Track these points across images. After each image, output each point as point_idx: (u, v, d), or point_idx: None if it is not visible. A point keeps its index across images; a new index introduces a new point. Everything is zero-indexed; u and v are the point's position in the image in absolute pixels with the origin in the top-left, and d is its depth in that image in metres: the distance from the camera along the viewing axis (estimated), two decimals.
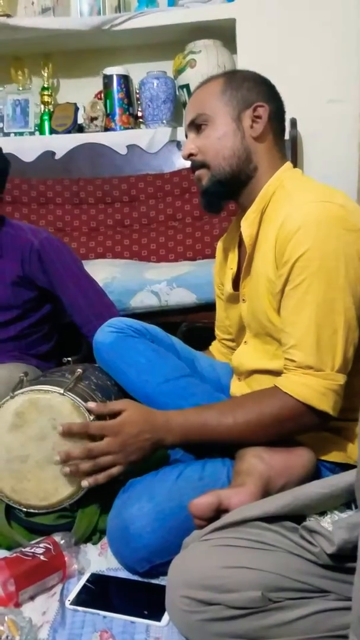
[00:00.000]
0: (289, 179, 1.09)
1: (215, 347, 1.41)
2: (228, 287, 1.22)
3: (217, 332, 1.41)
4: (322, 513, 0.85)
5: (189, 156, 1.13)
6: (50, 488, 1.06)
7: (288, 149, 2.23)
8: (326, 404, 0.97)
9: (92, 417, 1.06)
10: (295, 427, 1.00)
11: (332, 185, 1.08)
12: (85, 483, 1.02)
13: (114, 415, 1.04)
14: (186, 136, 1.16)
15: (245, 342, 1.19)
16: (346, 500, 0.84)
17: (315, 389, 0.97)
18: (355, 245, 0.98)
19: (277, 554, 0.79)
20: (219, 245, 1.33)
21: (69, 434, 1.03)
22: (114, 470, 1.02)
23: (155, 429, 1.02)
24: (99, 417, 1.06)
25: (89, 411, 1.06)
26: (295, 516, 0.84)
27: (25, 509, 1.07)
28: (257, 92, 1.11)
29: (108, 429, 1.02)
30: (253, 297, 1.11)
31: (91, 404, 1.06)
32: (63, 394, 1.07)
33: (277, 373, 1.05)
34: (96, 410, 1.05)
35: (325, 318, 0.97)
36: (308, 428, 1.01)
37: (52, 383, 1.10)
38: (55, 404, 1.06)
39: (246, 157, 1.10)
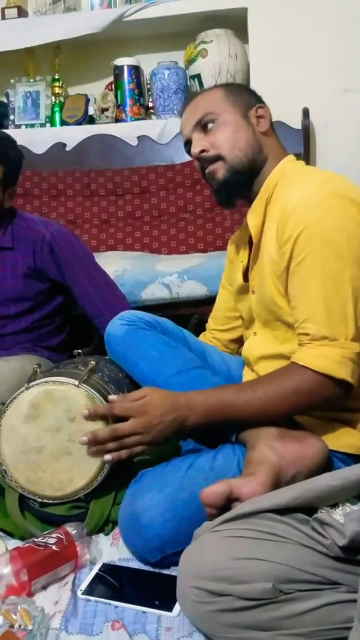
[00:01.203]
0: (290, 169, 1.13)
1: (204, 337, 1.41)
2: (239, 279, 1.23)
3: (210, 322, 1.42)
4: (334, 505, 0.84)
5: (200, 152, 1.13)
6: (65, 479, 1.06)
7: (300, 139, 2.22)
8: (344, 372, 0.97)
9: None
10: (317, 399, 1.00)
11: (346, 175, 1.09)
12: (108, 457, 1.01)
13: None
14: (187, 142, 1.17)
15: (254, 333, 1.20)
16: (358, 492, 0.84)
17: (333, 358, 0.97)
18: (356, 219, 0.99)
19: (289, 546, 0.79)
20: (231, 242, 1.35)
21: (95, 416, 1.04)
22: (137, 449, 1.02)
23: (178, 408, 1.01)
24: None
25: (110, 402, 1.06)
26: (307, 508, 0.84)
27: (39, 500, 1.08)
28: (256, 97, 1.19)
29: (133, 410, 1.02)
30: (261, 286, 1.12)
31: (112, 397, 1.06)
32: (78, 386, 1.07)
33: (288, 356, 1.05)
34: (117, 401, 1.05)
35: (333, 289, 0.97)
36: (329, 399, 1.00)
37: (66, 375, 1.11)
38: (70, 396, 1.07)
39: (259, 149, 1.13)
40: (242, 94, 1.16)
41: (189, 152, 1.18)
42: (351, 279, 0.98)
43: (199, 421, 1.02)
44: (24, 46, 2.45)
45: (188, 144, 1.18)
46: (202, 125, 1.14)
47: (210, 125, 1.13)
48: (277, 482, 0.93)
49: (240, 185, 1.14)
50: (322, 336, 0.98)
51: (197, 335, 1.40)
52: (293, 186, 1.05)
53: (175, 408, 1.01)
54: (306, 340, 1.00)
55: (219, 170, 1.13)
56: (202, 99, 1.17)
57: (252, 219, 1.13)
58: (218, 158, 1.12)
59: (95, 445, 1.02)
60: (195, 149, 1.14)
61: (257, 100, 1.17)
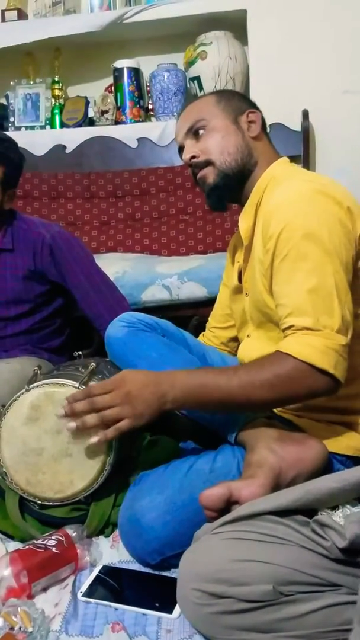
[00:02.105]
0: (280, 171, 1.13)
1: (204, 337, 1.41)
2: (234, 280, 1.24)
3: (210, 320, 1.42)
4: (334, 507, 0.84)
5: (191, 159, 1.15)
6: (65, 481, 1.06)
7: (299, 141, 2.22)
8: (327, 363, 0.94)
9: None
10: (300, 389, 0.97)
11: (348, 177, 1.10)
12: (94, 439, 0.99)
13: None
14: (180, 149, 1.20)
15: (248, 335, 1.20)
16: (358, 494, 0.84)
17: (316, 346, 0.94)
18: (336, 215, 1.00)
19: (289, 548, 0.79)
20: (230, 243, 1.36)
21: (74, 401, 1.01)
22: (123, 424, 0.98)
23: (158, 382, 0.99)
24: None
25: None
26: (307, 510, 0.84)
27: (39, 502, 1.08)
28: (247, 103, 1.20)
29: (110, 383, 1.00)
30: (253, 287, 1.13)
31: (92, 383, 1.05)
32: (78, 388, 1.07)
33: None
34: (97, 387, 1.03)
35: (317, 282, 0.97)
36: (314, 390, 0.97)
37: (66, 377, 1.11)
38: None
39: (248, 152, 1.15)
40: (233, 100, 1.18)
41: (183, 158, 1.20)
42: (334, 272, 0.97)
43: (178, 397, 0.99)
44: (22, 42, 2.44)
45: (181, 150, 1.20)
46: (194, 132, 1.16)
47: (201, 132, 1.15)
48: (277, 484, 0.93)
49: (230, 188, 1.16)
50: (305, 327, 0.96)
51: (197, 336, 1.40)
52: (278, 187, 1.07)
53: (155, 382, 0.99)
54: (290, 332, 0.98)
55: (209, 175, 1.14)
56: (194, 106, 1.19)
57: (243, 222, 1.14)
58: (208, 163, 1.14)
59: (73, 418, 0.99)
60: (186, 155, 1.17)
61: (248, 105, 1.19)
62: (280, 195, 1.03)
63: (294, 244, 0.98)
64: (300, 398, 1.01)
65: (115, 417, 0.98)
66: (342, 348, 0.96)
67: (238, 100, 1.19)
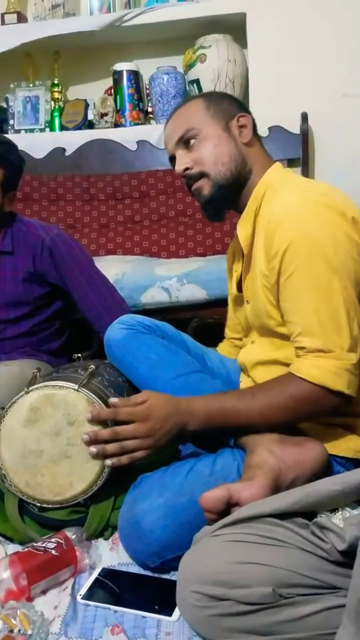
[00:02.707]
0: (277, 179, 1.11)
1: (223, 347, 1.41)
2: (233, 290, 1.24)
3: (226, 330, 1.41)
4: (334, 510, 0.84)
5: (184, 170, 1.13)
6: (64, 483, 1.06)
7: (298, 144, 2.22)
8: (340, 384, 0.97)
9: None
10: (315, 409, 1.00)
11: (347, 180, 1.09)
12: (108, 462, 1.01)
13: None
14: (171, 159, 1.18)
15: (252, 341, 1.20)
16: (358, 497, 0.84)
17: (329, 369, 0.96)
18: (341, 227, 0.99)
19: (288, 550, 0.79)
20: (229, 251, 1.35)
21: (97, 420, 1.03)
22: (138, 454, 1.01)
23: (179, 413, 1.01)
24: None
25: (113, 406, 1.05)
26: (307, 513, 0.84)
27: (39, 504, 1.08)
28: (237, 106, 1.17)
29: (136, 414, 1.01)
30: (253, 297, 1.12)
31: (113, 400, 1.05)
32: (78, 390, 1.07)
33: (283, 362, 1.05)
34: (120, 405, 1.05)
35: (324, 300, 0.97)
36: (328, 409, 1.00)
37: (66, 379, 1.11)
38: (70, 400, 1.07)
39: (242, 160, 1.13)
40: (222, 104, 1.15)
41: (174, 167, 1.17)
42: (341, 288, 0.97)
43: (199, 426, 1.02)
44: (20, 42, 2.44)
45: (173, 160, 1.18)
46: (184, 142, 1.13)
47: (192, 141, 1.12)
48: (277, 486, 0.93)
49: (227, 199, 1.14)
50: (317, 349, 0.97)
51: (197, 338, 1.40)
52: (277, 198, 1.04)
53: (176, 412, 1.01)
54: (302, 353, 0.99)
55: (204, 188, 1.13)
56: (183, 112, 1.16)
57: (242, 230, 1.13)
58: (202, 175, 1.12)
59: (96, 444, 1.02)
60: (179, 167, 1.14)
61: (238, 108, 1.16)
62: (281, 210, 1.01)
63: (299, 262, 0.98)
64: (314, 417, 1.04)
65: (135, 449, 1.01)
66: (353, 366, 0.98)
67: (227, 104, 1.15)
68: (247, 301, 1.17)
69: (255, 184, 1.13)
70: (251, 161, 1.13)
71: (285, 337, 1.05)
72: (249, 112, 1.17)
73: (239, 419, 1.02)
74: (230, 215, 2.19)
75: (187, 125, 1.13)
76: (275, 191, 1.08)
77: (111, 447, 1.01)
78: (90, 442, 1.02)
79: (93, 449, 1.02)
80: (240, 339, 1.34)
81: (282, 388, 1.00)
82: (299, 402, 0.99)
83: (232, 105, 1.16)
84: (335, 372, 0.97)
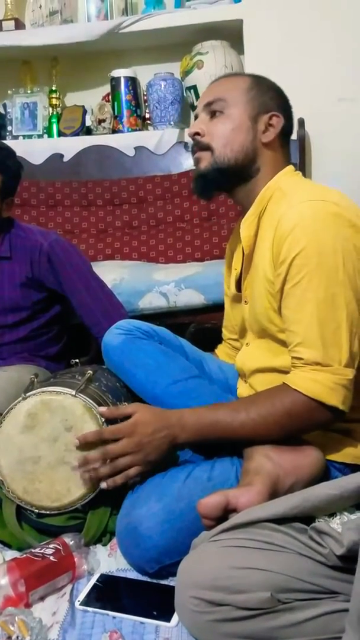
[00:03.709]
0: (286, 182, 1.10)
1: (221, 349, 1.41)
2: (232, 288, 1.23)
3: (224, 331, 1.41)
4: (332, 514, 0.85)
5: (195, 134, 1.12)
6: (62, 489, 1.06)
7: (296, 149, 2.23)
8: (335, 399, 0.96)
9: (103, 419, 1.06)
10: (308, 423, 1.00)
11: (343, 185, 1.08)
12: (104, 485, 1.02)
13: (125, 418, 1.04)
14: (195, 117, 1.16)
15: (247, 344, 1.20)
16: (355, 501, 0.84)
17: (325, 384, 0.96)
18: (351, 240, 0.99)
19: (287, 555, 0.79)
20: (227, 247, 1.34)
21: (85, 444, 1.03)
22: (132, 471, 1.02)
23: (169, 426, 1.01)
24: (110, 421, 1.06)
25: (101, 415, 1.06)
26: (305, 517, 0.84)
27: (37, 510, 1.08)
28: (278, 104, 1.13)
29: (122, 431, 1.02)
30: (254, 299, 1.12)
31: (102, 409, 1.06)
32: (75, 396, 1.07)
33: (281, 370, 1.05)
34: (108, 415, 1.06)
35: (327, 313, 0.97)
36: (321, 424, 1.00)
37: (63, 384, 1.11)
38: (67, 405, 1.07)
39: (252, 157, 1.11)
40: (265, 95, 1.12)
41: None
42: (346, 303, 0.97)
43: (190, 439, 1.03)
44: (18, 43, 2.45)
45: (196, 119, 1.16)
46: (211, 109, 1.11)
47: (217, 114, 1.10)
48: (275, 492, 0.93)
49: (218, 183, 1.13)
50: (315, 361, 0.97)
51: (195, 344, 1.40)
52: (289, 204, 1.02)
53: (166, 426, 1.01)
54: (299, 364, 0.99)
55: (203, 161, 1.11)
56: (226, 82, 1.14)
57: (245, 230, 1.12)
58: (207, 148, 1.11)
59: (86, 468, 1.02)
60: (191, 129, 1.13)
61: (277, 107, 1.12)
62: (293, 218, 0.99)
63: (307, 272, 0.97)
64: (307, 431, 1.03)
65: (127, 466, 1.01)
66: (349, 382, 0.98)
67: (269, 98, 1.12)
68: (246, 301, 1.17)
69: (262, 185, 1.11)
70: (262, 161, 1.11)
71: (285, 344, 1.05)
72: (288, 116, 1.13)
73: (231, 434, 1.02)
74: (228, 220, 2.22)
75: (220, 95, 1.11)
76: (284, 195, 1.07)
77: (104, 470, 1.01)
78: (81, 466, 1.03)
79: (86, 474, 1.02)
80: (237, 340, 1.34)
81: (276, 402, 0.99)
82: (293, 416, 0.98)
83: (273, 101, 1.12)
84: (332, 387, 0.96)
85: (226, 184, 1.14)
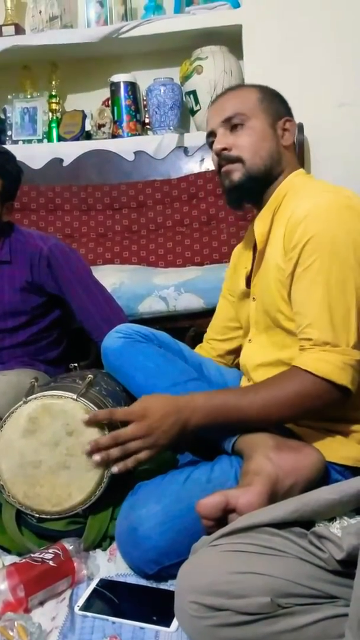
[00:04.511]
0: (300, 181, 1.15)
1: (201, 348, 1.41)
2: (242, 285, 1.24)
3: (208, 331, 1.42)
4: (332, 519, 0.84)
5: (222, 150, 1.14)
6: (63, 494, 1.06)
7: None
8: (345, 379, 0.98)
9: (105, 423, 1.06)
10: (318, 402, 1.00)
11: None
12: (115, 469, 1.01)
13: (125, 423, 1.04)
14: (210, 134, 1.18)
15: (249, 340, 1.21)
16: (355, 506, 0.84)
17: (335, 363, 0.98)
18: None
19: (286, 560, 0.79)
20: (235, 251, 1.36)
21: (95, 422, 1.03)
22: (142, 455, 1.01)
23: (179, 410, 1.01)
24: (112, 427, 1.06)
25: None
26: (304, 522, 0.83)
27: (37, 515, 1.08)
28: (286, 109, 1.20)
29: (133, 414, 1.01)
30: (263, 292, 1.14)
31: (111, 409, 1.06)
32: (76, 400, 1.07)
33: (287, 363, 1.06)
34: (119, 418, 1.05)
35: (337, 297, 0.99)
36: (330, 404, 1.01)
37: (64, 388, 1.11)
38: (68, 410, 1.07)
39: (278, 160, 1.15)
40: (274, 103, 1.17)
41: (210, 144, 1.18)
42: (356, 288, 1.00)
43: (201, 422, 1.02)
44: (18, 43, 2.46)
45: (211, 135, 1.18)
46: (231, 123, 1.14)
47: (239, 127, 1.14)
48: (274, 493, 0.93)
49: (252, 191, 1.16)
50: (324, 342, 0.99)
51: (194, 348, 1.40)
52: (304, 196, 1.07)
53: (176, 410, 1.01)
54: (308, 345, 1.01)
55: (236, 173, 1.14)
56: (236, 96, 1.17)
57: (259, 226, 1.15)
58: (238, 160, 1.13)
59: (98, 452, 1.01)
60: (217, 145, 1.15)
61: (285, 111, 1.18)
62: (307, 206, 1.03)
63: (318, 255, 1.00)
64: (317, 412, 1.04)
65: (137, 449, 1.00)
66: (357, 363, 1.00)
67: (278, 104, 1.18)
68: (254, 298, 1.18)
69: (280, 184, 1.15)
70: (285, 164, 1.16)
71: (291, 333, 1.07)
72: (293, 117, 1.19)
73: (241, 415, 1.02)
74: (228, 224, 2.23)
75: (238, 109, 1.14)
76: (297, 193, 1.11)
77: (114, 452, 1.01)
78: (92, 451, 1.02)
79: (97, 456, 1.01)
80: (220, 341, 1.37)
81: (286, 383, 1.01)
82: (303, 396, 1.00)
83: (281, 107, 1.18)
84: (341, 367, 0.98)
85: (259, 191, 1.17)
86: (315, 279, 1.01)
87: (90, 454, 1.02)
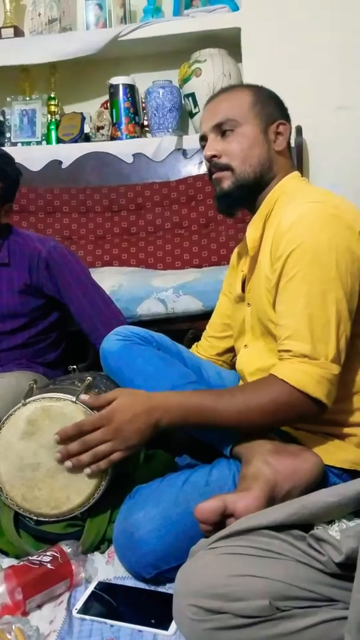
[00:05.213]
0: (292, 186, 1.14)
1: (199, 346, 1.41)
2: (237, 289, 1.24)
3: (207, 328, 1.42)
4: (330, 522, 0.84)
5: (212, 157, 1.14)
6: (61, 496, 1.06)
7: (293, 157, 2.24)
8: (320, 392, 0.98)
9: None
10: (292, 413, 1.00)
11: (341, 193, 1.11)
12: (87, 470, 1.01)
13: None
14: (202, 138, 1.18)
15: (245, 345, 1.21)
16: (354, 509, 0.84)
17: (312, 376, 0.98)
18: (347, 241, 1.01)
19: (285, 563, 0.79)
20: (235, 250, 1.36)
21: (66, 438, 1.03)
22: (115, 456, 1.01)
23: (149, 411, 1.00)
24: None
25: (84, 403, 1.05)
26: (303, 525, 0.83)
27: (35, 518, 1.07)
28: (280, 111, 1.17)
29: (100, 420, 1.01)
30: (256, 299, 1.13)
31: (83, 396, 1.06)
32: (75, 402, 1.07)
33: None
34: (90, 403, 1.05)
35: (318, 309, 0.99)
36: (303, 415, 1.01)
37: (63, 391, 1.11)
38: (67, 412, 1.07)
39: (269, 167, 1.14)
40: (269, 106, 1.15)
41: (203, 146, 1.17)
42: (336, 301, 0.99)
43: (174, 422, 1.02)
44: (19, 63, 2.48)
45: (203, 139, 1.18)
46: (221, 129, 1.13)
47: (228, 132, 1.13)
48: (272, 497, 0.93)
49: (243, 199, 1.16)
50: (303, 354, 0.98)
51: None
52: (292, 205, 1.06)
53: (147, 409, 1.00)
54: (287, 356, 1.00)
55: (225, 180, 1.14)
56: (228, 100, 1.15)
57: (251, 232, 1.15)
58: (227, 168, 1.13)
59: (69, 459, 1.02)
60: (207, 151, 1.15)
61: (280, 113, 1.17)
62: (292, 216, 1.02)
63: (301, 267, 1.00)
64: (290, 422, 1.05)
65: (107, 452, 1.00)
66: (334, 377, 0.99)
67: (273, 107, 1.16)
68: (249, 303, 1.18)
69: (272, 189, 1.14)
70: (277, 169, 1.15)
71: None
72: (289, 120, 1.17)
73: (215, 418, 1.01)
74: (227, 227, 2.23)
75: (228, 115, 1.13)
76: (289, 199, 1.10)
77: (84, 457, 1.01)
78: (63, 458, 1.02)
79: (68, 462, 1.02)
80: (219, 339, 1.36)
81: (262, 390, 1.01)
82: (278, 405, 0.99)
83: (276, 110, 1.16)
84: (318, 380, 0.98)
85: (249, 198, 1.16)
86: (297, 291, 1.00)
87: (61, 461, 1.02)
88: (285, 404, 0.99)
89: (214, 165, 1.14)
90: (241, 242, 1.34)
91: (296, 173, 1.18)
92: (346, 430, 1.07)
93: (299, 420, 1.04)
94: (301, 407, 0.99)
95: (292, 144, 2.22)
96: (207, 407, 1.01)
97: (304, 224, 1.01)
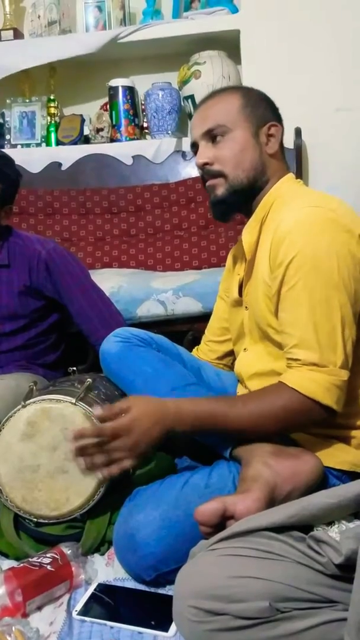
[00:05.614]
0: (287, 189, 1.13)
1: (199, 350, 1.41)
2: (234, 293, 1.24)
3: (206, 333, 1.41)
4: (330, 523, 0.84)
5: (204, 165, 1.13)
6: (61, 498, 1.06)
7: (292, 159, 2.24)
8: (330, 399, 0.98)
9: None
10: (302, 419, 1.02)
11: (340, 195, 1.10)
12: (99, 475, 1.00)
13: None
14: (193, 145, 1.17)
15: (245, 349, 1.20)
16: (354, 510, 0.84)
17: (321, 384, 0.98)
18: (347, 245, 1.00)
19: (285, 564, 0.79)
20: (230, 253, 1.36)
21: (80, 437, 1.01)
22: (127, 463, 1.00)
23: (165, 420, 1.00)
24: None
25: (98, 419, 1.05)
26: (303, 526, 0.83)
27: (35, 519, 1.08)
28: (272, 113, 1.16)
29: (121, 429, 0.99)
30: (254, 303, 1.13)
31: (98, 412, 1.04)
32: (75, 404, 1.07)
33: (281, 373, 1.05)
34: (105, 416, 1.03)
35: (322, 316, 0.99)
36: (314, 421, 1.02)
37: (63, 392, 1.11)
38: (67, 414, 1.07)
39: (262, 170, 1.13)
40: (259, 108, 1.13)
41: (195, 152, 1.16)
42: (340, 306, 0.99)
43: (186, 430, 1.02)
44: (19, 69, 2.49)
45: (195, 146, 1.17)
46: (211, 135, 1.12)
47: (219, 138, 1.11)
48: (272, 499, 0.93)
49: (237, 204, 1.15)
50: (312, 362, 0.99)
51: (192, 351, 1.40)
52: (289, 209, 1.05)
53: (163, 418, 1.00)
54: (296, 365, 1.00)
55: (219, 187, 1.13)
56: (217, 105, 1.14)
57: (247, 236, 1.14)
58: (220, 174, 1.12)
59: (82, 455, 1.00)
60: (199, 159, 1.14)
61: (272, 114, 1.15)
62: (291, 221, 1.02)
63: (302, 274, 0.99)
64: (302, 428, 1.06)
65: (122, 458, 0.99)
66: (343, 383, 1.00)
67: (264, 109, 1.14)
68: (246, 307, 1.18)
69: (267, 193, 1.13)
70: (270, 172, 1.14)
71: (282, 346, 1.06)
72: (281, 121, 1.16)
73: (228, 426, 1.02)
74: (226, 228, 2.23)
75: (218, 120, 1.11)
76: (285, 202, 1.09)
77: (98, 459, 0.99)
78: (77, 455, 1.00)
79: (81, 460, 1.00)
80: (218, 342, 1.36)
81: (274, 398, 1.01)
82: (290, 412, 1.00)
83: (267, 111, 1.15)
84: (327, 387, 0.98)
85: (243, 203, 1.15)
86: (300, 299, 1.00)
87: (75, 456, 1.00)
88: (297, 412, 1.00)
89: (207, 173, 1.14)
90: (236, 244, 1.33)
91: (290, 175, 1.17)
92: (346, 432, 1.07)
93: (310, 426, 1.05)
94: (312, 414, 0.99)
95: (291, 145, 2.24)
96: (220, 415, 1.02)
97: (302, 229, 1.00)
